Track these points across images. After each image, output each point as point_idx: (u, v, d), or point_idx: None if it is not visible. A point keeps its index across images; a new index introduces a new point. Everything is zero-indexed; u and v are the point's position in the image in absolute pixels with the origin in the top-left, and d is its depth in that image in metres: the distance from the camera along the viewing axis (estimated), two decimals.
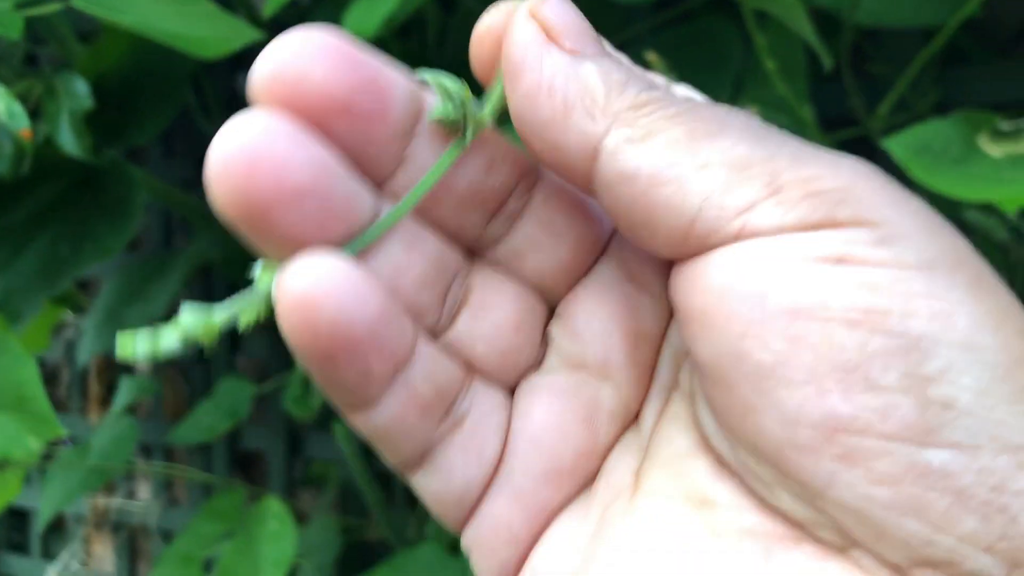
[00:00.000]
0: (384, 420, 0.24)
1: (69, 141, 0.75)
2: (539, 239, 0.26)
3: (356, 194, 0.23)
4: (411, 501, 1.20)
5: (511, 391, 0.27)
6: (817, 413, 0.19)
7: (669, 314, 0.27)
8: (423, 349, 0.24)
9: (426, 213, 0.25)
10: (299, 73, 0.22)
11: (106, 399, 1.50)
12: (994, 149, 0.59)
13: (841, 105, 0.78)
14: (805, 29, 0.58)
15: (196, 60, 0.82)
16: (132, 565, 1.50)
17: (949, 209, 0.77)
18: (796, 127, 0.67)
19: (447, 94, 0.24)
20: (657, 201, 0.21)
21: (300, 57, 0.22)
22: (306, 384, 1.00)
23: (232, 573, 0.89)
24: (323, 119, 0.22)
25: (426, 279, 0.25)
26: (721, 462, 0.23)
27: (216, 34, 0.74)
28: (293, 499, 1.28)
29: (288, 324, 0.22)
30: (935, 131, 0.59)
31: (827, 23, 0.87)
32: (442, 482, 0.25)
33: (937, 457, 0.19)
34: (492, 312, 0.26)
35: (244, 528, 0.93)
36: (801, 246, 0.20)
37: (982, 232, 0.72)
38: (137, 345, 0.24)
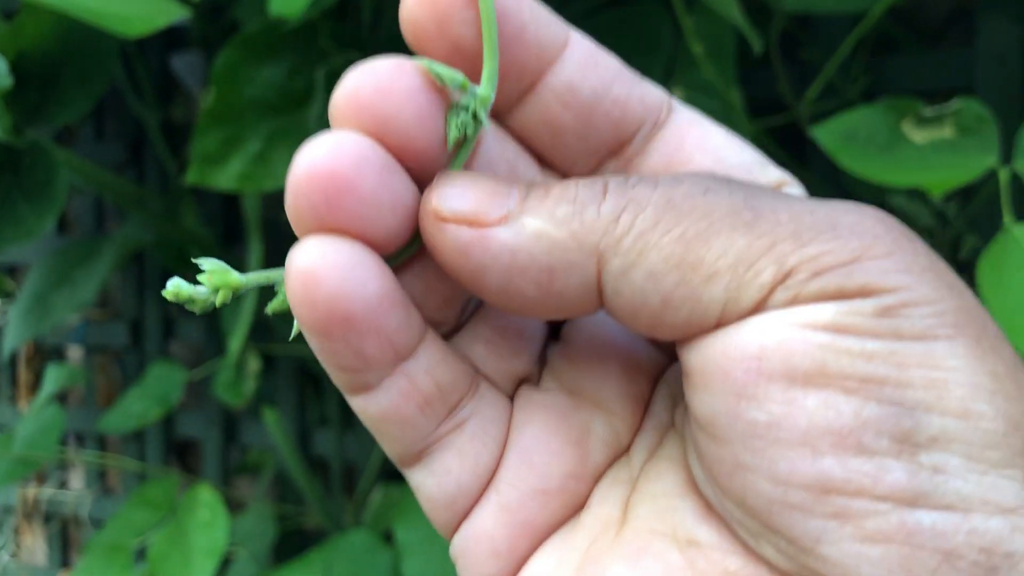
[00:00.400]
0: (381, 407, 0.24)
1: None
2: None
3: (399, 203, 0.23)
4: (348, 489, 1.19)
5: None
6: (810, 475, 0.20)
7: (670, 356, 0.27)
8: (431, 345, 0.24)
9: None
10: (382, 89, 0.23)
11: (36, 386, 1.46)
12: (918, 135, 0.60)
13: (772, 90, 0.78)
14: (733, 14, 0.58)
15: (124, 39, 0.80)
16: (64, 555, 1.47)
17: (876, 195, 0.78)
18: (724, 111, 0.67)
19: (445, 81, 0.23)
20: (675, 322, 0.21)
21: (380, 80, 0.23)
22: (238, 370, 0.99)
23: (163, 563, 0.88)
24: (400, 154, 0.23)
25: (450, 297, 0.25)
26: (708, 506, 0.23)
27: (140, 12, 0.72)
28: (229, 487, 1.26)
29: (292, 297, 0.22)
30: (861, 118, 0.60)
31: (758, 9, 0.87)
32: (436, 483, 0.25)
33: (928, 518, 0.19)
34: (499, 317, 0.26)
35: (175, 517, 0.91)
36: (804, 315, 0.20)
37: (908, 217, 0.73)
38: (182, 290, 0.25)
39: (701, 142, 0.25)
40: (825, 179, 0.81)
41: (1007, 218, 0.55)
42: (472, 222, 0.22)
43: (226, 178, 0.78)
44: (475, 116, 0.23)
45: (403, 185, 0.23)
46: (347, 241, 0.22)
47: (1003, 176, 0.57)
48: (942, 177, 0.58)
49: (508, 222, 0.22)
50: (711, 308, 0.21)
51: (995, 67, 0.76)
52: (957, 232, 0.74)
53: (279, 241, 1.15)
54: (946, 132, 0.60)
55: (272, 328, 1.10)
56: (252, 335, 1.00)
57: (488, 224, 0.22)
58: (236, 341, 0.98)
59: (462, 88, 0.23)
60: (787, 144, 0.88)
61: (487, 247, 0.22)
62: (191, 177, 0.77)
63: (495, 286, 0.22)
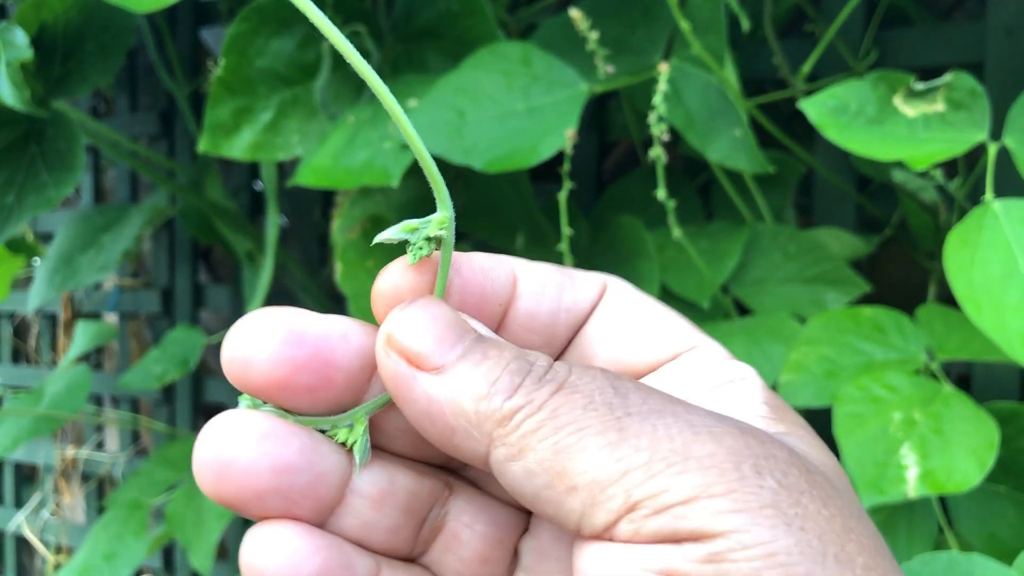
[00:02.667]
0: None
1: (7, 92, 0.75)
2: None
3: (321, 475, 0.26)
4: None
5: None
6: None
7: None
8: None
9: (404, 447, 0.28)
10: (245, 359, 0.25)
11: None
12: (909, 109, 0.59)
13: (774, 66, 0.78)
14: None
15: (144, 13, 0.81)
16: (100, 513, 1.51)
17: (879, 171, 0.77)
18: (720, 88, 0.67)
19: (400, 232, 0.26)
20: (544, 511, 0.24)
21: (246, 343, 0.25)
22: None
23: (179, 520, 0.90)
24: (271, 396, 0.25)
25: (397, 525, 0.27)
26: None
27: None
28: None
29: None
30: (852, 91, 0.59)
31: None
32: None
33: None
34: (462, 546, 0.28)
35: (192, 477, 0.94)
36: (642, 557, 0.22)
37: (910, 193, 0.72)
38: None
39: (616, 335, 0.28)
40: (832, 155, 0.80)
41: (988, 193, 0.54)
42: (412, 361, 0.24)
43: (238, 148, 0.79)
44: (430, 239, 0.26)
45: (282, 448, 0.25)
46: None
47: (991, 151, 0.56)
48: (929, 151, 0.57)
49: (440, 373, 0.24)
50: (571, 516, 0.23)
51: (1003, 41, 0.74)
52: (961, 208, 0.73)
53: (300, 211, 1.17)
54: (938, 106, 0.59)
55: (290, 295, 1.12)
56: (270, 302, 1.02)
57: (423, 369, 0.24)
58: (254, 308, 0.99)
59: (415, 230, 0.26)
60: (795, 123, 0.88)
61: (413, 387, 0.24)
62: (203, 146, 0.78)
63: (412, 417, 0.25)
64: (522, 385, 0.24)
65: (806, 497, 0.22)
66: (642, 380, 0.28)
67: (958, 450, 0.56)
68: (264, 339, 0.25)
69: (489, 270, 0.27)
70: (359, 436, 0.26)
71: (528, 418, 0.23)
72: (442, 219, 0.26)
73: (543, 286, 0.28)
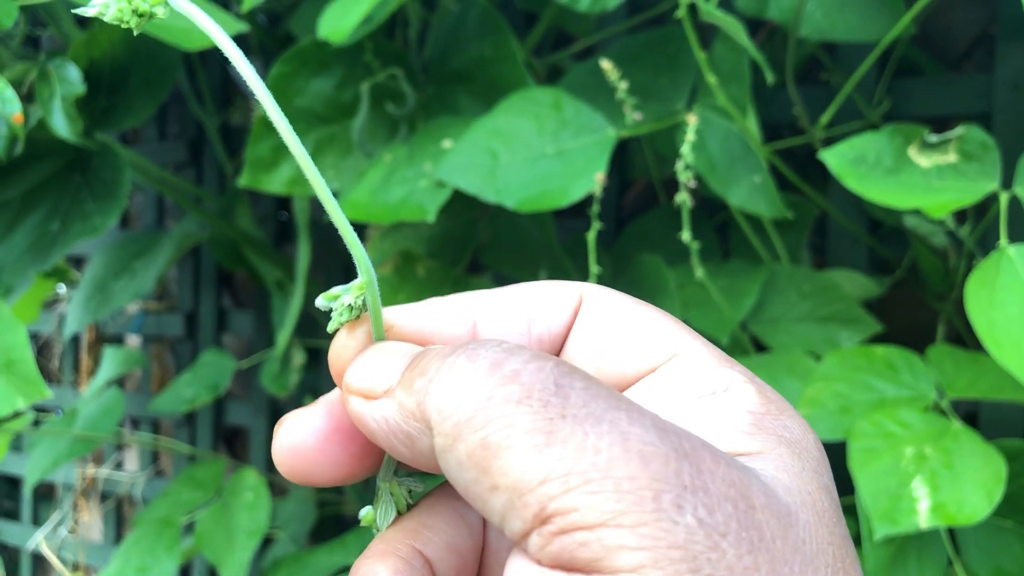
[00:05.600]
0: None
1: (61, 124, 0.78)
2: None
3: None
4: None
5: None
6: None
7: None
8: None
9: None
10: (293, 450, 0.28)
11: (96, 372, 1.52)
12: (923, 160, 0.62)
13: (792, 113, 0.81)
14: (745, 43, 0.61)
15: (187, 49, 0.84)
16: (119, 533, 1.53)
17: (891, 215, 0.80)
18: (741, 135, 0.70)
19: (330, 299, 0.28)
20: (475, 506, 0.23)
21: (293, 437, 0.28)
22: (284, 363, 1.03)
23: (209, 538, 0.92)
24: (321, 477, 0.28)
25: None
26: None
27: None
28: (273, 473, 1.31)
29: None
30: (869, 143, 0.62)
31: (782, 34, 0.90)
32: None
33: None
34: None
35: (221, 497, 0.96)
36: None
37: (921, 237, 0.75)
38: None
39: (597, 348, 0.28)
40: (847, 200, 0.83)
41: (1003, 239, 0.57)
42: (364, 395, 0.26)
43: (276, 183, 0.83)
44: (352, 306, 0.28)
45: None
46: None
47: (1003, 199, 0.59)
48: (944, 200, 0.60)
49: (388, 395, 0.26)
50: (494, 515, 0.22)
51: (1010, 94, 0.77)
52: (970, 252, 0.76)
53: (326, 241, 1.20)
54: (951, 157, 0.62)
55: (317, 323, 1.15)
56: (299, 330, 1.05)
57: (374, 398, 0.26)
58: (283, 336, 1.02)
59: (335, 298, 0.28)
60: (809, 166, 0.91)
61: (371, 415, 0.26)
62: (244, 181, 0.81)
63: (383, 444, 0.26)
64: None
65: (729, 540, 0.20)
66: (627, 392, 0.27)
67: (967, 484, 0.58)
68: (308, 432, 0.28)
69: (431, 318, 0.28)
70: (380, 503, 0.29)
71: (460, 406, 0.23)
72: (361, 285, 0.27)
73: (510, 315, 0.28)
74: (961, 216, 0.75)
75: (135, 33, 0.24)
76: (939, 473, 0.59)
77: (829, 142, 0.80)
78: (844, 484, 0.84)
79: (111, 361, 1.11)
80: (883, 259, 0.87)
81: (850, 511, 0.67)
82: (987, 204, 0.77)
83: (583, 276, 0.85)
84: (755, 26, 0.92)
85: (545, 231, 0.86)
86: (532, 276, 0.88)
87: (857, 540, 0.64)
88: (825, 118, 0.70)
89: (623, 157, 1.01)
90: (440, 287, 0.85)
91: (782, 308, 0.80)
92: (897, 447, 0.61)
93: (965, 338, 0.84)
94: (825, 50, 0.85)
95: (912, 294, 0.92)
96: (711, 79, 0.62)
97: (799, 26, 0.64)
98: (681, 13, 0.60)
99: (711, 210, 0.92)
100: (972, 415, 0.79)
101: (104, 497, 1.52)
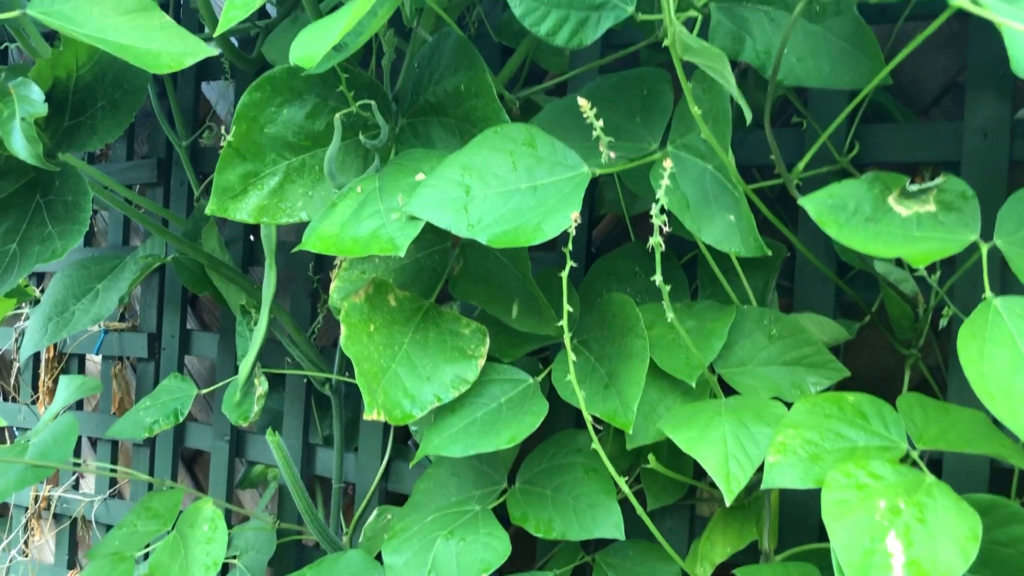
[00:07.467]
0: None
1: (20, 145, 0.73)
2: None
3: None
4: (347, 510, 1.18)
5: None
6: None
7: None
8: None
9: None
10: None
11: (56, 390, 1.46)
12: (903, 208, 0.60)
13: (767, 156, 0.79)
14: (728, 81, 0.58)
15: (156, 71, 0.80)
16: (72, 555, 1.47)
17: (861, 260, 0.78)
18: (719, 173, 0.68)
19: None
20: None
21: None
22: (245, 391, 0.99)
23: (163, 573, 0.87)
24: None
25: None
26: None
27: (170, 48, 0.73)
28: (234, 500, 1.26)
29: None
30: (848, 190, 0.60)
31: (754, 78, 0.88)
32: None
33: None
34: None
35: (177, 529, 0.91)
36: None
37: (891, 283, 0.73)
38: None
39: None
40: (816, 242, 0.81)
41: (988, 292, 0.55)
42: None
43: (244, 211, 0.79)
44: None
45: None
46: None
47: (984, 250, 0.57)
48: (925, 249, 0.58)
49: None
50: None
51: (979, 142, 0.76)
52: (940, 300, 0.74)
53: (293, 266, 1.16)
54: (930, 206, 0.60)
55: (282, 350, 1.11)
56: (263, 356, 1.01)
57: None
58: (246, 364, 0.98)
59: None
60: (781, 206, 0.88)
61: None
62: (211, 209, 0.77)
63: None
64: None
65: None
66: None
67: (942, 540, 0.56)
68: None
69: None
70: None
71: None
72: None
73: None
74: (930, 265, 0.73)
75: None
76: (913, 528, 0.57)
77: (801, 186, 0.78)
78: (821, 528, 0.82)
79: (67, 389, 1.06)
80: (850, 303, 0.85)
81: (826, 556, 0.64)
82: (956, 256, 0.75)
83: (555, 311, 0.82)
84: None
85: (519, 265, 0.82)
86: (505, 311, 0.84)
87: None
88: (801, 164, 0.67)
89: (593, 192, 0.98)
90: (412, 318, 0.81)
91: (750, 350, 0.78)
92: (870, 500, 0.59)
93: (931, 384, 0.82)
94: (796, 93, 0.83)
95: (876, 336, 0.90)
96: (695, 111, 0.59)
97: (778, 70, 0.61)
98: (668, 42, 0.57)
99: (679, 248, 0.90)
100: (936, 462, 0.77)
101: (58, 518, 1.46)
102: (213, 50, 0.74)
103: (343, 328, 0.76)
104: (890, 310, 0.76)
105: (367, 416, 0.73)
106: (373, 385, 0.74)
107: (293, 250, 0.74)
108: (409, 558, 0.78)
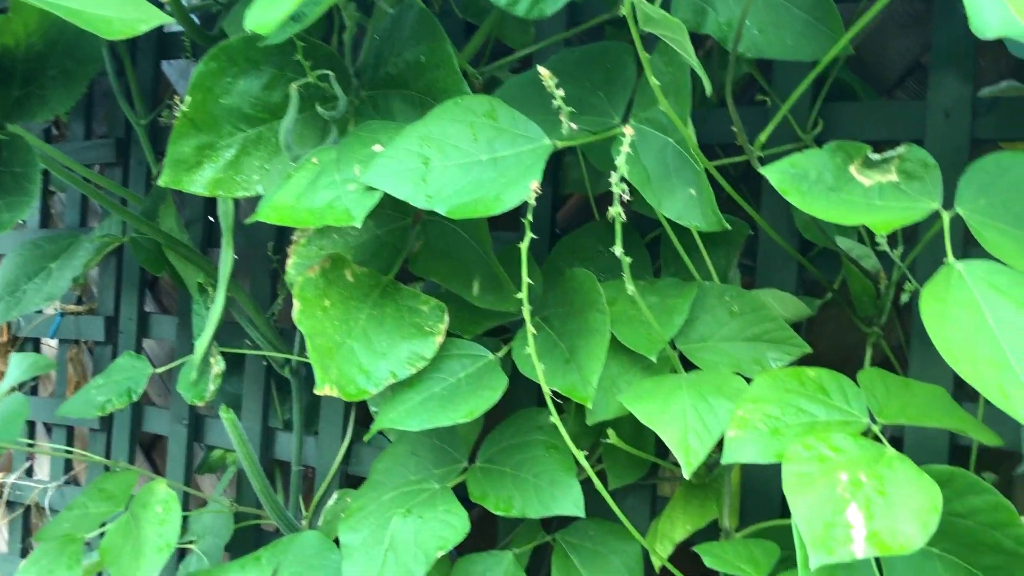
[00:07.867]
0: None
1: None
2: None
3: None
4: (307, 494, 1.16)
5: None
6: None
7: None
8: None
9: None
10: None
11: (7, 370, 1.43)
12: (865, 177, 0.59)
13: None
14: (688, 52, 0.57)
15: (112, 41, 0.78)
16: (25, 543, 1.43)
17: (823, 236, 0.77)
18: (680, 146, 0.66)
19: None
20: None
21: None
22: (202, 370, 0.96)
23: (114, 554, 0.85)
24: None
25: None
26: None
27: (123, 15, 0.70)
28: (193, 485, 1.23)
29: None
30: (810, 160, 0.59)
31: (719, 55, 0.87)
32: None
33: None
34: None
35: (129, 510, 0.89)
36: None
37: (853, 259, 0.72)
38: None
39: None
40: (779, 220, 0.80)
41: (950, 256, 0.54)
42: None
43: (199, 183, 0.76)
44: None
45: None
46: None
47: (946, 219, 0.57)
48: (887, 218, 0.57)
49: None
50: None
51: (942, 121, 0.75)
52: (901, 275, 0.73)
53: (253, 245, 1.13)
54: (892, 176, 0.59)
55: (240, 330, 1.08)
56: (219, 337, 0.98)
57: None
58: (201, 343, 0.95)
59: None
60: (744, 184, 0.88)
61: None
62: (164, 180, 0.75)
63: None
64: None
65: None
66: None
67: (902, 512, 0.55)
68: None
69: None
70: None
71: None
72: None
73: None
74: (892, 239, 0.72)
75: None
76: (874, 500, 0.56)
77: (764, 163, 0.77)
78: (782, 506, 0.82)
79: (18, 367, 1.03)
80: (813, 280, 0.84)
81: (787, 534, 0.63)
82: (918, 230, 0.74)
83: (516, 287, 0.80)
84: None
85: (480, 241, 0.81)
86: (466, 288, 0.83)
87: (794, 565, 0.61)
88: (763, 136, 0.66)
89: (557, 172, 0.97)
90: (369, 294, 0.79)
91: (711, 326, 0.77)
92: (831, 472, 0.58)
93: (893, 361, 0.82)
94: (761, 71, 0.83)
95: (838, 314, 0.89)
96: (654, 82, 0.58)
97: (739, 41, 0.60)
98: (625, 10, 0.55)
99: (643, 227, 0.89)
100: (898, 438, 0.77)
101: (11, 505, 1.42)
102: (168, 17, 0.72)
103: (296, 303, 0.74)
104: (852, 286, 0.75)
105: (318, 391, 0.71)
106: (326, 360, 0.72)
107: (247, 220, 0.72)
108: (366, 536, 0.76)
